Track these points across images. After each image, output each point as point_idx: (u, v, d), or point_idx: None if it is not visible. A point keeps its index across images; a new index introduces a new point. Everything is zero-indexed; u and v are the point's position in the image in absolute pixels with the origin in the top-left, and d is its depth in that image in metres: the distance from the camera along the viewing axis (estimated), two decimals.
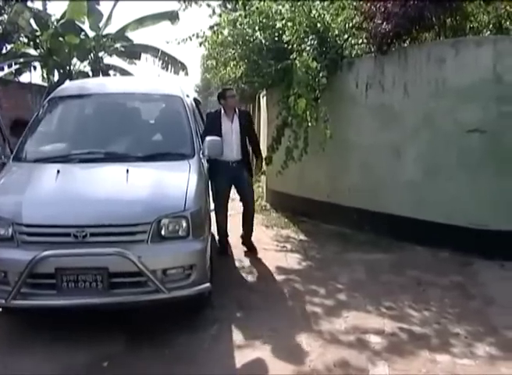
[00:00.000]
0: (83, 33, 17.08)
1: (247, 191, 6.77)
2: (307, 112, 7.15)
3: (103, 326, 4.49)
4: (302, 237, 7.62)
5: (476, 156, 6.34)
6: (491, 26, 7.86)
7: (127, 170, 4.61)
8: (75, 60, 17.42)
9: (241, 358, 4.00)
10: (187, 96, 6.19)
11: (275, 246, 7.10)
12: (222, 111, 6.57)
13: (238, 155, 6.52)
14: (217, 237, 6.78)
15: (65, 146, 5.32)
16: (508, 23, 7.78)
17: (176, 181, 4.64)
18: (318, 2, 8.12)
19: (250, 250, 6.78)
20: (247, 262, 6.32)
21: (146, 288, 4.16)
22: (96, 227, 4.13)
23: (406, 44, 7.19)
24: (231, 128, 6.48)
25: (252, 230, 6.95)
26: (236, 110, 6.65)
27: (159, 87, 6.38)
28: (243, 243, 6.89)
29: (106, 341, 4.25)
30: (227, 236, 6.84)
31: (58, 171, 4.65)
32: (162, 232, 4.23)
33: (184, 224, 4.29)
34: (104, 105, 5.89)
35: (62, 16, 16.44)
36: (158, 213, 4.21)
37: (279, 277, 5.81)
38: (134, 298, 4.16)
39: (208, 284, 4.45)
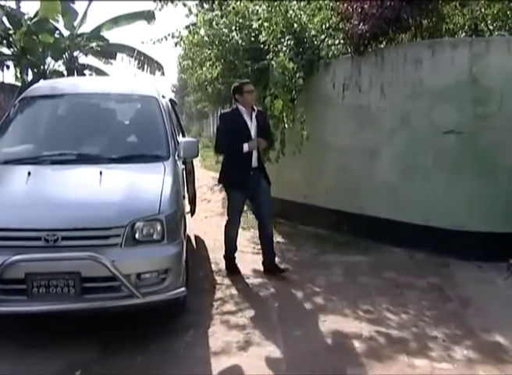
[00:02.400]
0: (57, 32, 16.80)
1: (265, 204, 5.89)
2: (284, 113, 7.13)
3: (76, 332, 4.38)
4: (279, 239, 7.56)
5: (452, 157, 6.36)
6: (466, 27, 7.91)
7: (100, 172, 4.51)
8: (49, 59, 17.13)
9: (217, 365, 3.92)
10: (163, 97, 6.08)
11: (252, 248, 7.00)
12: (241, 108, 5.80)
13: (256, 160, 5.84)
14: (224, 252, 6.15)
15: (37, 147, 5.18)
16: (483, 25, 7.84)
17: (151, 184, 4.54)
18: (294, 3, 8.09)
19: (277, 273, 5.88)
20: (223, 265, 6.23)
21: (119, 293, 4.05)
22: (68, 231, 4.01)
23: (382, 45, 7.18)
24: (251, 128, 5.78)
25: (274, 254, 6.07)
26: (255, 108, 5.92)
27: (134, 88, 6.26)
28: (266, 271, 5.96)
29: (79, 348, 4.14)
30: (235, 251, 6.15)
31: (29, 173, 4.52)
32: (136, 236, 4.12)
33: (159, 227, 4.19)
34: (78, 105, 5.76)
35: (36, 15, 16.16)
36: (131, 216, 4.11)
37: (256, 281, 5.74)
38: (107, 303, 4.05)
39: (183, 289, 4.35)
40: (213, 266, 6.26)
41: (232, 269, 6.02)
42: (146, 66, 17.87)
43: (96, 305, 4.04)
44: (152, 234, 4.18)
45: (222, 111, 6.32)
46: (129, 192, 4.33)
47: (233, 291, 5.46)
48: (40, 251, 3.96)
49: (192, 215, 7.34)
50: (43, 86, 6.30)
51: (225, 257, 6.14)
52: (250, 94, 5.81)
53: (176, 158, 5.20)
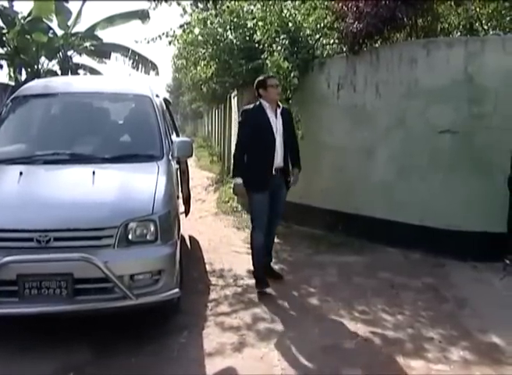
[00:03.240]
0: (51, 31, 16.71)
1: (279, 212, 5.60)
2: None
3: (69, 333, 4.33)
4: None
5: (448, 157, 6.34)
6: (461, 27, 7.89)
7: (93, 172, 4.47)
8: (43, 59, 17.05)
9: (211, 366, 3.87)
10: (157, 96, 6.03)
11: (247, 249, 6.92)
12: (265, 104, 5.38)
13: (281, 161, 5.42)
14: (253, 267, 5.60)
15: (29, 147, 5.12)
16: (478, 24, 7.82)
17: (144, 184, 4.49)
18: (289, 2, 8.06)
19: (276, 278, 5.69)
20: (217, 265, 6.20)
21: (112, 295, 4.01)
22: (60, 232, 3.96)
23: (378, 44, 7.14)
24: (276, 126, 5.35)
25: (271, 257, 5.93)
26: (280, 105, 5.50)
27: (127, 87, 6.21)
28: (265, 273, 5.60)
29: (72, 350, 4.09)
30: (267, 265, 5.71)
31: (21, 173, 4.47)
32: (130, 236, 4.08)
33: (152, 228, 4.15)
34: (71, 104, 5.71)
35: (29, 14, 16.07)
36: (125, 217, 4.07)
37: (250, 281, 5.67)
38: (100, 304, 4.01)
39: (177, 290, 4.31)
40: (207, 267, 6.22)
41: (262, 283, 5.42)
42: (140, 65, 17.83)
43: (88, 307, 4.00)
44: (145, 235, 4.14)
45: (245, 106, 5.76)
46: (122, 192, 4.29)
47: (228, 292, 5.41)
48: (32, 253, 3.92)
49: (186, 215, 7.30)
50: (35, 85, 6.24)
51: (254, 269, 5.59)
52: (274, 88, 5.40)
53: (170, 157, 5.15)
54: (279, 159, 5.37)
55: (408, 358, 3.96)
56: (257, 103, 5.44)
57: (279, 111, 5.41)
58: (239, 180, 5.35)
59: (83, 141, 5.16)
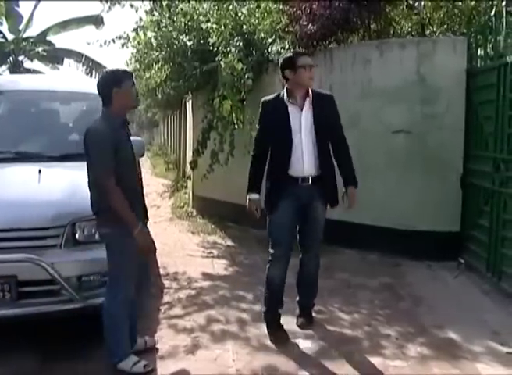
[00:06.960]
0: (0, 35, 16.39)
1: (314, 233, 4.36)
2: (233, 115, 7.02)
3: (13, 339, 4.10)
4: (229, 242, 7.45)
5: (402, 157, 6.37)
6: (413, 31, 7.98)
7: (39, 171, 4.30)
8: None
9: (163, 369, 3.73)
10: None
11: (202, 252, 6.88)
12: (286, 95, 4.12)
13: (312, 167, 4.08)
14: (263, 307, 4.37)
15: None
16: (429, 29, 7.92)
17: None
18: (243, 4, 8.01)
19: (307, 323, 4.39)
20: (171, 269, 6.05)
21: (59, 297, 3.83)
22: (2, 232, 3.77)
23: (331, 46, 7.14)
24: (299, 121, 4.06)
25: (314, 296, 4.51)
26: (310, 91, 4.08)
27: (78, 85, 6.04)
28: (300, 315, 4.47)
29: (19, 357, 3.87)
30: (281, 305, 4.32)
31: None
32: (77, 236, 3.93)
33: None
34: (17, 102, 5.49)
35: None
36: (71, 216, 3.91)
37: (205, 284, 5.57)
38: (46, 308, 3.82)
39: None
40: (161, 271, 6.06)
41: (275, 331, 4.22)
42: (94, 71, 17.59)
43: (33, 311, 3.80)
44: (94, 235, 3.96)
45: (264, 97, 4.36)
46: (69, 191, 4.14)
47: (181, 295, 5.27)
48: None
49: None
50: None
51: (264, 315, 4.33)
52: (307, 71, 4.01)
53: None
54: (305, 165, 4.08)
55: (366, 355, 3.90)
56: (281, 93, 4.18)
57: (308, 100, 4.07)
58: (253, 196, 4.33)
59: (30, 139, 4.99)
